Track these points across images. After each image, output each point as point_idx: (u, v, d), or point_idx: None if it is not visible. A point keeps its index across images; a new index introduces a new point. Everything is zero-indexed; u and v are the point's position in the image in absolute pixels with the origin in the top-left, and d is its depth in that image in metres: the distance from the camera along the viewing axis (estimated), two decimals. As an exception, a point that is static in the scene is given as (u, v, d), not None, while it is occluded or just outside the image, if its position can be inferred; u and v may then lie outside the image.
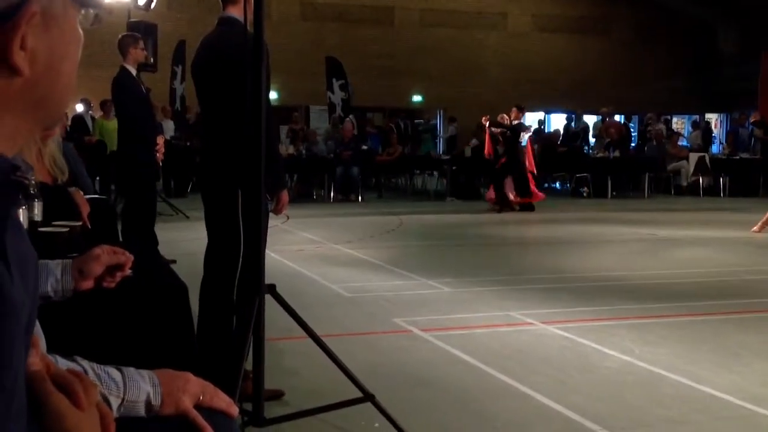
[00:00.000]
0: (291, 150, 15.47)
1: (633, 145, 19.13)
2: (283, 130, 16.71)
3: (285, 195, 3.75)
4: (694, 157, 16.79)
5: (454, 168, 15.64)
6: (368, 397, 3.04)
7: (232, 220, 3.52)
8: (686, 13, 24.69)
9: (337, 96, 19.16)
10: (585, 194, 15.95)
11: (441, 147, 21.75)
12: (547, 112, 24.01)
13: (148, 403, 1.50)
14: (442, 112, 23.83)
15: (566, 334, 4.99)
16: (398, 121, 20.45)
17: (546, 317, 5.41)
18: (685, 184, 16.60)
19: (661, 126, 19.25)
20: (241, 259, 3.51)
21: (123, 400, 1.48)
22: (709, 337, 4.97)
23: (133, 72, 6.86)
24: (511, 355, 4.55)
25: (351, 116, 17.03)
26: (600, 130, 18.22)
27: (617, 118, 19.62)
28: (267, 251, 3.29)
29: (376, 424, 3.23)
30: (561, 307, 5.76)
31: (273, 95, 18.88)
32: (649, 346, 4.70)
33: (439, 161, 16.63)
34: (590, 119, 20.97)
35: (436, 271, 7.27)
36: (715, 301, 6.06)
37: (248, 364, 3.11)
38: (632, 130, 20.86)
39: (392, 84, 22.70)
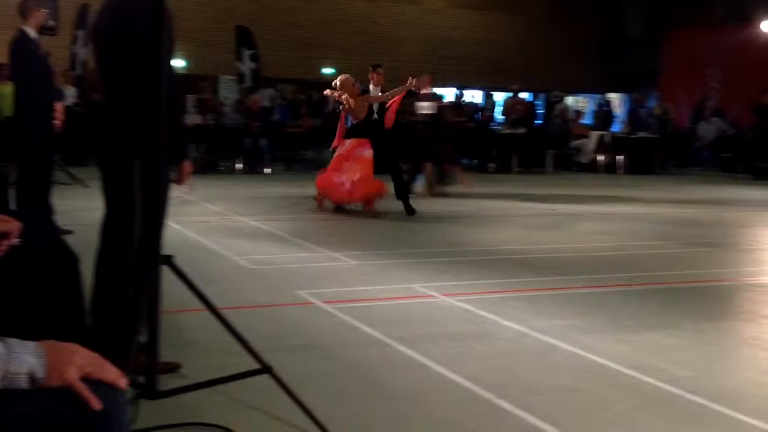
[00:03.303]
0: (198, 120, 15.19)
1: (539, 122, 19.53)
2: (191, 100, 16.39)
3: (188, 165, 3.68)
4: (595, 135, 17.28)
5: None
6: (265, 368, 3.04)
7: (126, 189, 3.44)
8: (595, -6, 25.26)
9: (247, 66, 18.88)
10: (491, 170, 16.23)
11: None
12: (461, 89, 24.24)
13: (32, 375, 1.47)
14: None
15: (466, 306, 5.08)
16: (310, 94, 20.30)
17: (447, 289, 5.51)
18: (586, 161, 17.08)
19: (566, 104, 19.72)
20: (136, 230, 3.44)
21: (6, 372, 1.44)
22: (602, 309, 5.14)
23: (34, 35, 6.60)
24: (411, 326, 4.62)
25: (275, 88, 16.78)
26: (507, 107, 18.53)
27: (525, 95, 19.98)
28: (170, 222, 3.24)
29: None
30: (462, 280, 5.86)
31: (181, 64, 18.47)
32: (545, 318, 4.84)
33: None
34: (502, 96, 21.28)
35: (341, 244, 7.29)
36: (609, 274, 6.28)
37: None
38: (540, 107, 21.28)
39: (304, 56, 22.48)
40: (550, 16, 25.37)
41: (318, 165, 16.48)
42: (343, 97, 9.71)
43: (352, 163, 9.38)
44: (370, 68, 10.28)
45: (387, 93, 10.01)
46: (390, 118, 10.04)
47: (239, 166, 14.89)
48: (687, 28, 21.87)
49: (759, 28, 19.23)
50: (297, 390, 3.12)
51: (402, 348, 4.17)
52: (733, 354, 4.33)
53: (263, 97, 17.25)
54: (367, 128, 9.65)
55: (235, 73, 19.08)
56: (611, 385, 3.71)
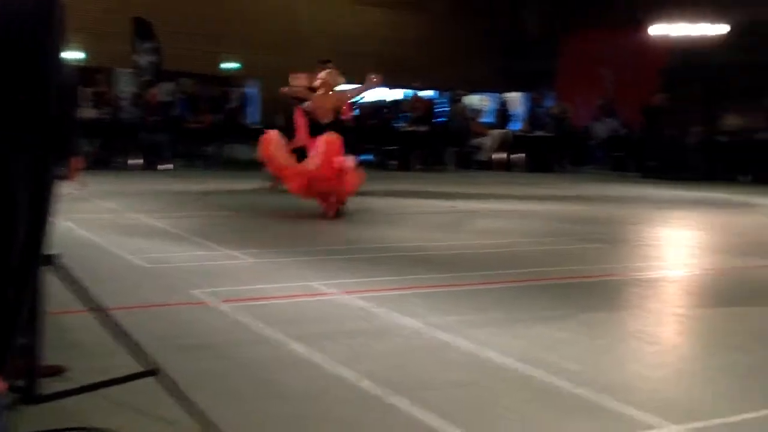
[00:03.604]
0: (94, 114, 14.73)
1: (441, 120, 19.78)
2: (88, 93, 15.87)
3: (78, 160, 3.55)
4: (494, 133, 17.64)
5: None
6: (151, 371, 2.96)
7: (2, 186, 3.28)
8: (497, -6, 25.72)
9: (146, 59, 18.42)
10: (393, 167, 16.34)
11: (257, 116, 21.48)
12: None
13: None
14: (259, 81, 23.48)
15: (364, 303, 5.09)
16: (212, 88, 19.97)
17: (346, 287, 5.50)
18: (485, 159, 17.41)
19: (464, 104, 20.06)
20: (17, 228, 3.29)
21: None
22: (497, 305, 5.24)
23: None
24: (308, 324, 4.59)
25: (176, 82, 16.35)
26: (408, 105, 18.69)
27: (428, 93, 20.19)
28: (59, 220, 3.11)
29: None
30: (361, 277, 5.87)
31: (80, 56, 17.84)
32: (441, 314, 4.90)
33: (255, 131, 16.40)
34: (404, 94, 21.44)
35: (239, 242, 7.20)
36: (505, 270, 6.41)
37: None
38: (442, 105, 21.54)
39: (206, 50, 22.07)
40: (452, 15, 25.68)
41: (220, 161, 16.28)
42: (301, 93, 9.43)
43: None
44: (319, 64, 10.06)
45: (354, 89, 9.82)
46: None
47: (136, 161, 14.51)
48: (583, 30, 22.52)
49: (647, 31, 19.98)
50: (189, 391, 3.06)
51: (298, 346, 4.14)
52: (620, 347, 4.47)
53: (162, 91, 16.88)
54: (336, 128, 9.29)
55: (133, 66, 18.58)
56: (504, 380, 3.77)
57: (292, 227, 8.66)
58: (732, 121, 18.13)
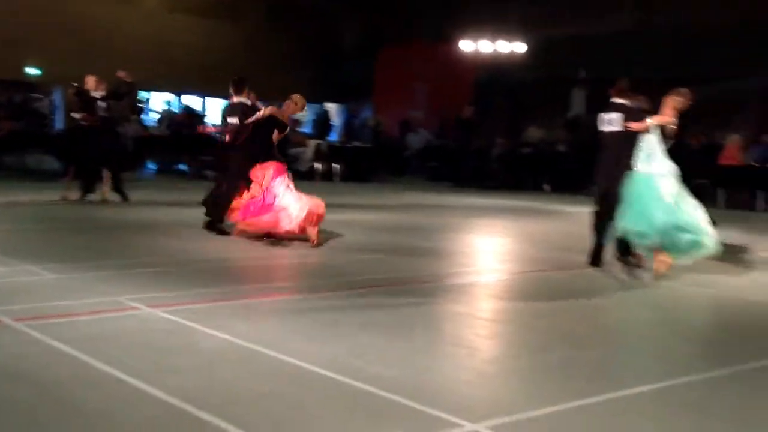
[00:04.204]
0: None
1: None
2: None
3: None
4: (313, 144, 17.75)
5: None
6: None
7: None
8: (315, 5, 25.86)
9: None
10: (211, 177, 16.01)
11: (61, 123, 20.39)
12: (178, 94, 23.73)
13: None
14: (61, 88, 22.29)
15: (172, 317, 4.94)
16: (11, 95, 18.77)
17: (153, 301, 5.31)
18: (304, 169, 17.46)
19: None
20: None
21: None
22: (306, 314, 5.24)
23: None
24: (113, 341, 4.39)
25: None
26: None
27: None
28: None
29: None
30: (169, 291, 5.69)
31: None
32: (249, 325, 4.83)
33: (60, 139, 15.55)
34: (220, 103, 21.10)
35: (37, 256, 6.78)
36: (316, 280, 6.42)
37: None
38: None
39: (5, 56, 20.71)
40: (270, 25, 25.59)
41: (19, 171, 15.29)
42: (268, 112, 8.71)
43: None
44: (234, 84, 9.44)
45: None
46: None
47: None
48: (398, 43, 23.12)
49: (459, 47, 20.80)
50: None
51: (100, 365, 3.94)
52: (429, 351, 4.57)
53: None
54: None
55: None
56: (313, 388, 3.77)
57: (96, 240, 8.25)
58: (534, 133, 19.23)
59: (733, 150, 15.32)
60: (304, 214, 7.96)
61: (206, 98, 21.66)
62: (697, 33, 17.57)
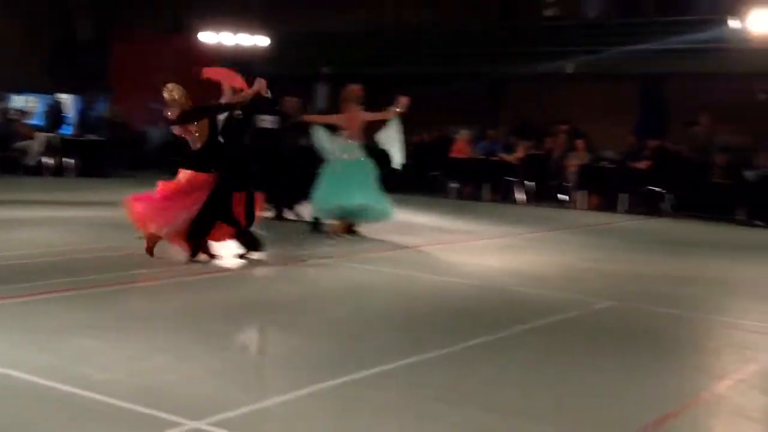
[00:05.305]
0: None
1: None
2: None
3: None
4: (42, 136, 16.64)
5: None
6: None
7: None
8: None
9: None
10: None
11: None
12: None
13: None
14: None
15: None
16: None
17: None
18: (32, 163, 16.32)
19: (6, 104, 18.66)
20: None
21: None
22: (22, 317, 4.92)
23: None
24: None
25: None
26: None
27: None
28: None
29: None
30: None
31: None
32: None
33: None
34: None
35: None
36: (44, 280, 6.01)
37: None
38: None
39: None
40: (-2, 14, 23.61)
41: None
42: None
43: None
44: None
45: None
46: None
47: None
48: (133, 33, 22.30)
49: (198, 38, 20.41)
50: None
51: None
52: (150, 355, 4.36)
53: None
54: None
55: None
56: (33, 398, 3.57)
57: None
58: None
59: (462, 144, 16.35)
60: None
61: None
62: (428, 33, 18.65)
